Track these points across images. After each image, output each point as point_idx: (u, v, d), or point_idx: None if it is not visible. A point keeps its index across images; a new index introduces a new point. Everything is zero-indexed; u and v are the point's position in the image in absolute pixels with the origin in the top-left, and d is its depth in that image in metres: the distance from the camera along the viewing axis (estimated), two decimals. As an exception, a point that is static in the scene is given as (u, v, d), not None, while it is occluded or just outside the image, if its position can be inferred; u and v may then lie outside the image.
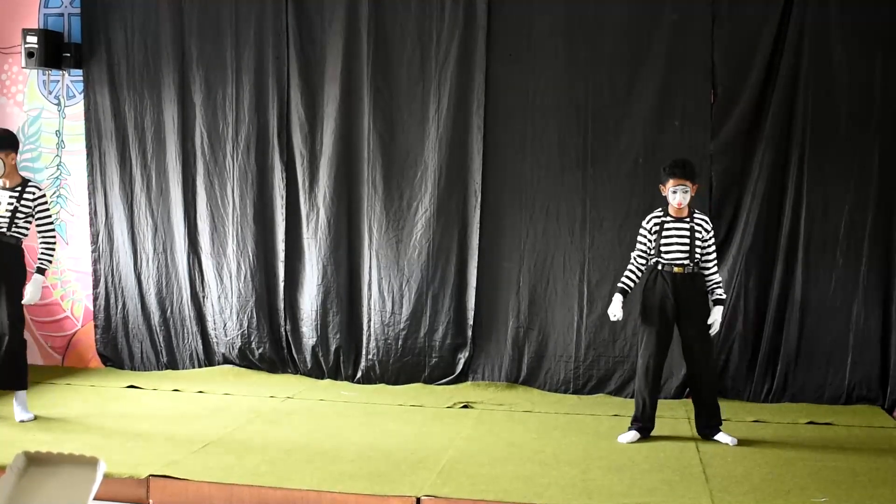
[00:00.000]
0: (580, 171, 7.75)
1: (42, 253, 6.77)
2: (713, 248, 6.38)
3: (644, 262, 6.43)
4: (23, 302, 6.70)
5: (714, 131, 7.53)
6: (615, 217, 7.68)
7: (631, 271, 6.43)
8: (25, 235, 6.78)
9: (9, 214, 6.63)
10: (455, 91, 7.88)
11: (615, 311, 6.41)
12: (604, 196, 7.73)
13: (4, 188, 6.70)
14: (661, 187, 6.34)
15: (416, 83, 7.97)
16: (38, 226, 6.77)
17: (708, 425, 6.42)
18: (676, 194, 6.23)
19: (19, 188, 6.71)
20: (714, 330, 6.36)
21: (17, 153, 6.82)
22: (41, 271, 6.75)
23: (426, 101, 7.95)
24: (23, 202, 6.68)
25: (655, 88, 7.61)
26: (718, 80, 7.53)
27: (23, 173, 7.03)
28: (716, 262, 6.41)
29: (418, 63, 7.96)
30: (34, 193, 6.73)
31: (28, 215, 6.70)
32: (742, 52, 7.48)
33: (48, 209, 6.83)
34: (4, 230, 6.65)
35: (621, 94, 7.68)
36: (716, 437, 6.37)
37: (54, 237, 6.83)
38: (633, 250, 6.49)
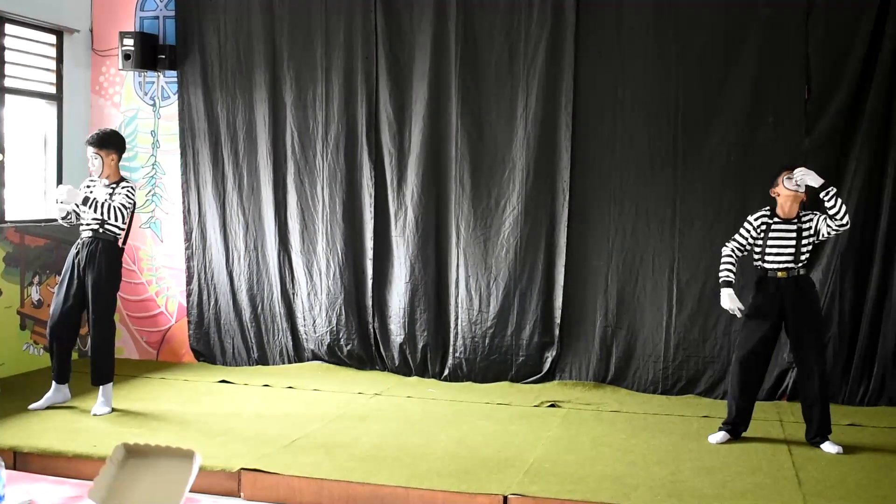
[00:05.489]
0: (670, 170, 7.64)
1: (102, 205, 6.61)
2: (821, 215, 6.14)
3: (739, 255, 6.28)
4: (55, 196, 6.63)
5: (808, 128, 7.35)
6: (706, 216, 7.56)
7: (729, 263, 6.23)
8: (120, 233, 6.86)
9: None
10: (543, 89, 7.84)
11: (735, 303, 6.19)
12: (694, 195, 7.61)
13: (104, 184, 6.86)
14: (774, 190, 6.18)
15: (504, 81, 7.95)
16: (112, 200, 6.72)
17: (818, 433, 6.17)
18: (792, 179, 6.04)
19: (115, 185, 6.85)
20: (807, 177, 6.00)
21: (119, 154, 6.90)
22: (86, 199, 6.58)
23: (514, 100, 7.93)
24: (114, 198, 6.79)
25: (748, 84, 7.46)
26: (813, 75, 7.35)
27: (123, 173, 7.12)
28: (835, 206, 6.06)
29: (506, 61, 7.94)
30: (124, 187, 6.82)
31: None
32: (838, 47, 7.28)
33: (127, 197, 6.76)
34: (98, 227, 6.79)
35: (713, 90, 7.55)
36: (822, 447, 6.14)
37: (110, 213, 6.63)
38: (730, 242, 6.31)
